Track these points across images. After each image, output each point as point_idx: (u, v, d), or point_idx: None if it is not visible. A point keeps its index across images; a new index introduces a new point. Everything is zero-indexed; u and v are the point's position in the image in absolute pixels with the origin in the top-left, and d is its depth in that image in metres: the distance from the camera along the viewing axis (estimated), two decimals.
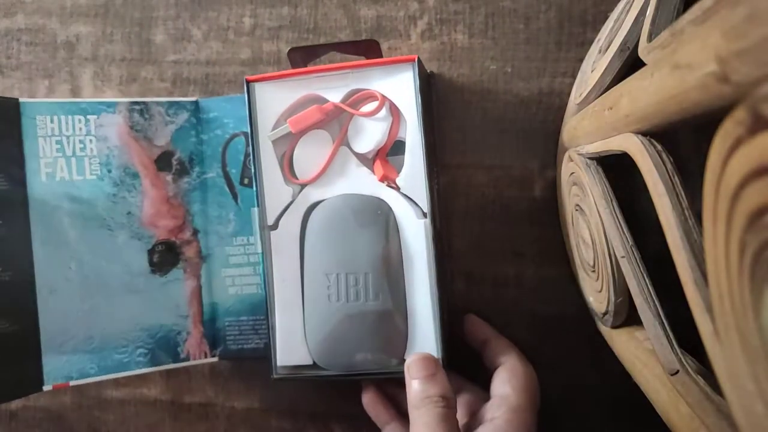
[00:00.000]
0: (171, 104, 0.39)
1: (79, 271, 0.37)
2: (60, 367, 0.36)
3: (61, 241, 0.36)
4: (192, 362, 0.39)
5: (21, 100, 0.36)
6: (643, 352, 0.26)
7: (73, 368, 0.37)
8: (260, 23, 0.40)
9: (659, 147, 0.20)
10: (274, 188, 0.34)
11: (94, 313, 0.37)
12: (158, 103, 0.39)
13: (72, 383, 0.37)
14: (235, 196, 0.39)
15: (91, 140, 0.37)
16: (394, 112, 0.34)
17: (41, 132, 0.36)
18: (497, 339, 0.35)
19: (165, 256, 0.39)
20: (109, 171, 0.38)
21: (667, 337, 0.23)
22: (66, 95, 0.43)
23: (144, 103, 0.38)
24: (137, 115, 0.38)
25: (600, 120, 0.25)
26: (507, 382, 0.32)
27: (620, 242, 0.25)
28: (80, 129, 0.37)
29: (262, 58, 0.40)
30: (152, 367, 0.38)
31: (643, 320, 0.24)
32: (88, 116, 0.37)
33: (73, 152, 0.37)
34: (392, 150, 0.35)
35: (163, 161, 0.39)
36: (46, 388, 0.36)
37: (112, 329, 0.38)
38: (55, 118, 0.37)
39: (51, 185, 0.36)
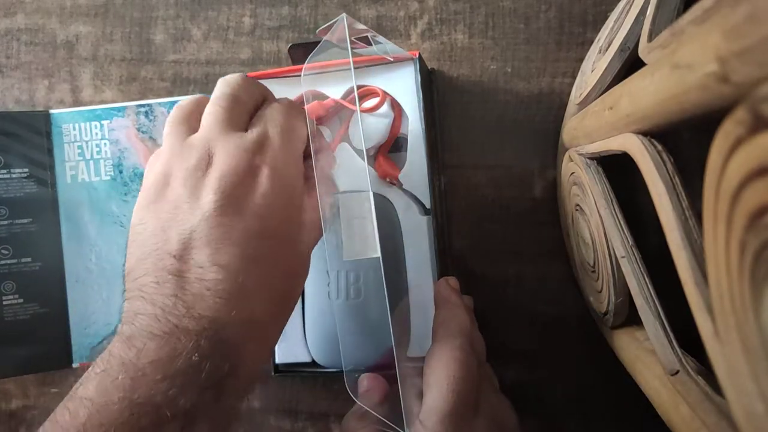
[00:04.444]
0: (172, 104, 0.40)
1: (97, 264, 0.41)
2: (85, 348, 0.41)
3: (83, 236, 0.41)
4: None
5: (51, 111, 0.40)
6: (643, 352, 0.26)
7: (95, 351, 0.41)
8: (260, 23, 0.40)
9: (659, 147, 0.20)
10: None
11: (110, 302, 0.41)
12: (161, 104, 0.40)
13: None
14: None
15: (105, 144, 0.40)
16: (396, 108, 0.34)
17: (66, 139, 0.40)
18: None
19: None
20: (121, 172, 0.41)
21: (668, 337, 0.23)
22: (66, 95, 0.43)
23: (149, 104, 0.40)
24: (143, 117, 0.40)
25: (600, 120, 0.25)
26: (427, 378, 0.27)
27: (620, 242, 0.25)
28: (96, 134, 0.40)
29: (262, 58, 0.40)
30: None
31: (643, 320, 0.24)
32: (102, 121, 0.40)
33: (91, 155, 0.41)
34: (393, 147, 0.35)
35: None
36: (75, 365, 0.40)
37: None
38: (77, 125, 0.40)
39: (75, 186, 0.40)
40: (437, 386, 0.26)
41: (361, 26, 0.29)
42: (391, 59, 0.32)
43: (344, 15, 0.28)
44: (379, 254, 0.30)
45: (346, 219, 0.32)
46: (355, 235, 0.33)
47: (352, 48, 0.30)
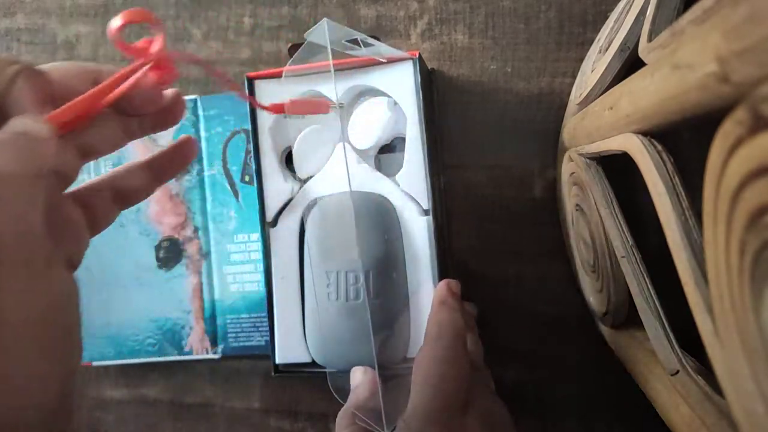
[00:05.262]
0: None
1: (97, 263, 0.41)
2: (84, 348, 0.40)
3: None
4: (195, 356, 0.40)
5: None
6: (643, 352, 0.26)
7: (94, 350, 0.41)
8: (260, 23, 0.40)
9: (659, 147, 0.20)
10: (274, 185, 0.34)
11: (110, 302, 0.41)
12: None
13: (94, 364, 0.41)
14: (236, 194, 0.39)
15: None
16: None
17: None
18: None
19: (169, 253, 0.40)
20: None
21: (667, 337, 0.23)
22: None
23: None
24: None
25: (600, 120, 0.25)
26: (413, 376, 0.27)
27: (620, 242, 0.25)
28: None
29: (261, 58, 0.40)
30: (160, 356, 0.41)
31: (643, 320, 0.24)
32: None
33: None
34: (392, 147, 0.35)
35: None
36: None
37: (125, 318, 0.41)
38: None
39: (74, 186, 0.40)
40: (423, 386, 0.26)
41: (349, 30, 0.29)
42: (384, 60, 0.32)
43: (325, 20, 0.28)
44: (357, 256, 0.30)
45: (330, 220, 0.33)
46: (337, 237, 0.33)
47: (345, 50, 0.31)
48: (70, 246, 0.22)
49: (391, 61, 0.33)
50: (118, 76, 0.22)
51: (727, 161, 0.13)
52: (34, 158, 0.19)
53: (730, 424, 0.18)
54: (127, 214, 0.40)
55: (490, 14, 0.37)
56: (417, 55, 0.32)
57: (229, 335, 0.40)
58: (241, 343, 0.40)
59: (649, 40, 0.21)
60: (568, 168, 0.32)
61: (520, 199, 0.37)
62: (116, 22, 0.21)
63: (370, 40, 0.30)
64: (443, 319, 0.29)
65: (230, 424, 0.42)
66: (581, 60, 0.35)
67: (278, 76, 0.34)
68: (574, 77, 0.35)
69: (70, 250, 0.22)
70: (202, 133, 0.40)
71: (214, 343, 0.40)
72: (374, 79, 0.33)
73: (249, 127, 0.34)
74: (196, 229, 0.40)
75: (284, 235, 0.34)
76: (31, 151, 0.19)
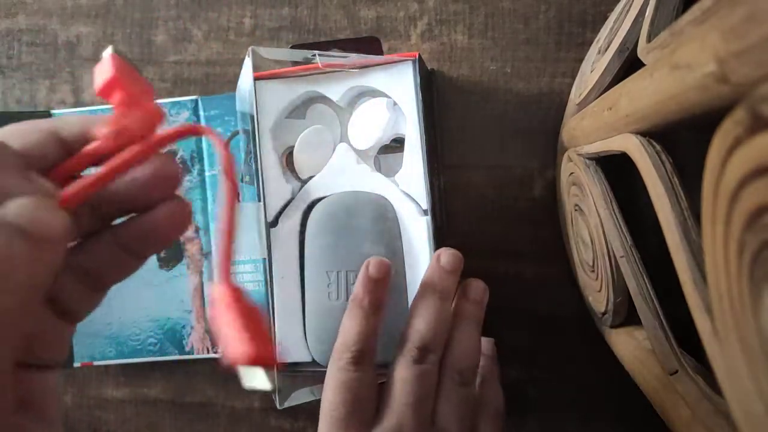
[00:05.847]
0: (173, 104, 0.40)
1: None
2: (86, 348, 0.41)
3: None
4: (196, 356, 0.40)
5: (52, 112, 0.41)
6: (642, 352, 0.26)
7: (95, 350, 0.41)
8: (260, 24, 0.40)
9: (658, 147, 0.20)
10: (275, 185, 0.35)
11: (110, 302, 0.40)
12: (162, 104, 0.40)
13: (95, 363, 0.41)
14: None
15: None
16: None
17: None
18: None
19: (170, 252, 0.40)
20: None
21: (667, 336, 0.23)
22: (67, 96, 0.43)
23: None
24: None
25: (599, 120, 0.25)
26: None
27: (620, 242, 0.25)
28: None
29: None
30: (161, 356, 0.41)
31: (642, 320, 0.24)
32: None
33: None
34: (392, 147, 0.35)
35: None
36: (76, 365, 0.41)
37: (126, 318, 0.41)
38: None
39: None
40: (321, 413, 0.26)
41: (285, 51, 0.30)
42: (357, 70, 0.33)
43: (251, 48, 0.29)
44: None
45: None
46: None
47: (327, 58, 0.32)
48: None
49: (365, 66, 0.33)
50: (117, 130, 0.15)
51: (726, 161, 0.13)
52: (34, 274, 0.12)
53: (729, 424, 0.18)
54: None
55: (489, 15, 0.37)
56: (417, 56, 0.32)
57: None
58: None
59: (648, 40, 0.21)
60: (567, 168, 0.32)
61: (520, 199, 0.37)
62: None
63: (331, 53, 0.32)
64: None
65: (231, 423, 0.42)
66: (581, 60, 0.35)
67: (279, 76, 0.34)
68: (574, 77, 0.35)
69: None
70: None
71: (214, 342, 0.40)
72: (374, 79, 0.33)
73: (249, 127, 0.34)
74: (197, 229, 0.40)
75: (284, 235, 0.34)
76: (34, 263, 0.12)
